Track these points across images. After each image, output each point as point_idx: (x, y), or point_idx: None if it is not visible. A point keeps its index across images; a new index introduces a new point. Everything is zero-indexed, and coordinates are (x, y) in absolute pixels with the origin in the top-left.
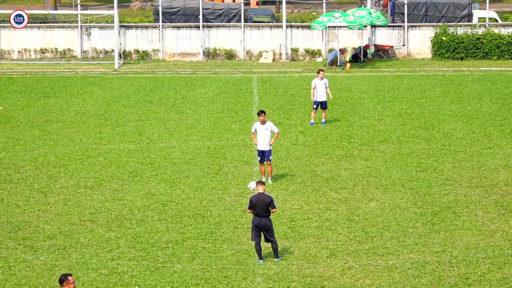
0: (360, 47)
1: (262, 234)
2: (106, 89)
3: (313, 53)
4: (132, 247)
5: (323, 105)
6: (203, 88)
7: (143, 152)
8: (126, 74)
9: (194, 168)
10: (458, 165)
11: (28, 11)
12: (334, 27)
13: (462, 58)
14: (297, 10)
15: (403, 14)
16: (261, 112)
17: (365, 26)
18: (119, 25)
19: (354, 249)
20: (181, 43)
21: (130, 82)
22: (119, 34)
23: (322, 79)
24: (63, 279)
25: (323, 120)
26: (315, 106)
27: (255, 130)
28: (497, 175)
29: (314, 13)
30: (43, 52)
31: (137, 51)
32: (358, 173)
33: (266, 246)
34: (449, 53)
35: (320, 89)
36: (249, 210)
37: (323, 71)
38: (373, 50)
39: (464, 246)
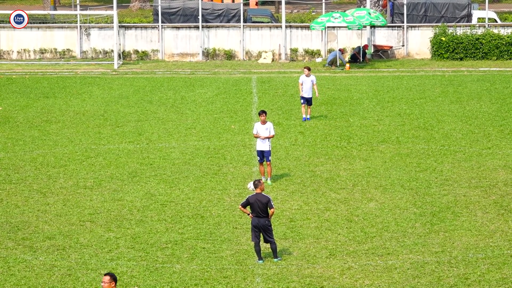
0: (358, 47)
1: (261, 234)
2: (105, 90)
3: (312, 54)
4: (132, 248)
5: (308, 101)
6: (203, 88)
7: (143, 152)
8: (125, 74)
9: (193, 169)
10: (458, 165)
11: (27, 11)
12: (334, 27)
13: (461, 59)
14: (296, 11)
15: (403, 14)
16: (262, 112)
17: (364, 27)
18: (119, 26)
19: (354, 250)
20: (180, 43)
21: (129, 83)
22: (118, 34)
23: (308, 76)
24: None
25: (308, 116)
26: (302, 101)
27: (257, 132)
28: (497, 175)
29: (313, 13)
30: (42, 53)
31: (136, 52)
32: (357, 173)
33: (265, 247)
34: (448, 53)
35: (306, 86)
36: (241, 207)
37: (308, 68)
38: (372, 51)
39: (463, 247)
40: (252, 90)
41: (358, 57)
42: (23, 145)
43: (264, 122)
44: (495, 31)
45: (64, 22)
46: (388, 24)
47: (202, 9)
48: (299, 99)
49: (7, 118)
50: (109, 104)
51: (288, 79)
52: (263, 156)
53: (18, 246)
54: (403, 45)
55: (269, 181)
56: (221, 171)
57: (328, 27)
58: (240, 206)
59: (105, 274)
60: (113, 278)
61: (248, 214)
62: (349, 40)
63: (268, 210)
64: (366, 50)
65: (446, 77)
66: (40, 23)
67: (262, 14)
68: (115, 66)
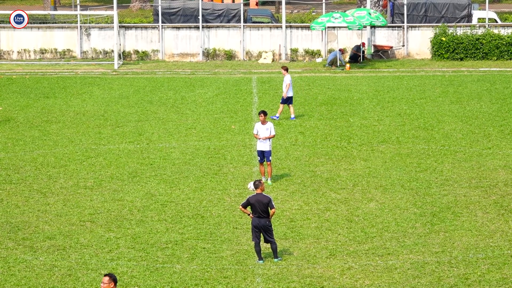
0: (356, 46)
1: (261, 234)
2: (105, 90)
3: (312, 54)
4: (132, 248)
5: (282, 99)
6: (203, 88)
7: (143, 152)
8: (125, 74)
9: (193, 169)
10: (458, 165)
11: (27, 11)
12: (334, 27)
13: (461, 59)
14: (296, 11)
15: (403, 14)
16: (260, 112)
17: (365, 27)
18: (119, 26)
19: (354, 250)
20: (180, 43)
21: (129, 83)
22: (118, 34)
23: (284, 75)
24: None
25: (277, 115)
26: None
27: (257, 132)
28: (497, 175)
29: (313, 13)
30: (42, 53)
31: (136, 52)
32: (357, 173)
33: (266, 247)
34: (448, 53)
35: (283, 85)
36: (241, 207)
37: (283, 68)
38: (372, 51)
39: (463, 247)
40: (252, 90)
41: (358, 55)
42: (23, 145)
43: (264, 122)
44: (495, 31)
45: (64, 22)
46: (388, 24)
47: (202, 9)
48: (298, 99)
49: (7, 118)
50: (109, 104)
51: None
52: (263, 156)
53: (18, 246)
54: (403, 45)
55: (269, 181)
56: (221, 171)
57: (328, 27)
58: (240, 207)
59: (105, 275)
60: (113, 279)
61: (249, 215)
62: (349, 40)
63: (269, 210)
64: (363, 48)
65: (446, 77)
66: (40, 23)
67: (262, 14)
68: (115, 66)
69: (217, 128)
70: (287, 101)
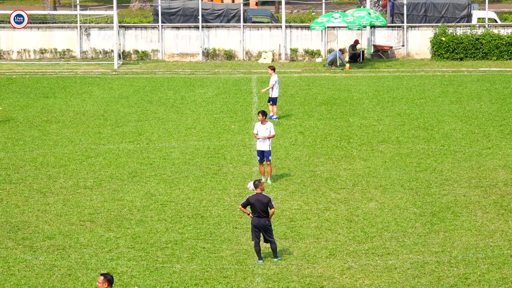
0: (351, 46)
1: (261, 234)
2: (105, 90)
3: (312, 54)
4: (132, 247)
5: (272, 101)
6: (203, 88)
7: (143, 152)
8: (125, 74)
9: (193, 169)
10: (458, 165)
11: (27, 11)
12: (334, 27)
13: (461, 59)
14: (296, 11)
15: (403, 14)
16: (259, 112)
17: (364, 27)
18: (119, 26)
19: (354, 249)
20: (180, 43)
21: (129, 83)
22: (118, 34)
23: (271, 75)
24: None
25: (274, 116)
26: None
27: (257, 131)
28: (496, 175)
29: (313, 13)
30: (42, 53)
31: (136, 52)
32: (357, 173)
33: (265, 246)
34: (448, 53)
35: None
36: (241, 207)
37: (270, 68)
38: (372, 51)
39: (463, 246)
40: (252, 90)
41: (356, 53)
42: (23, 145)
43: (264, 122)
44: (495, 31)
45: (64, 22)
46: (388, 24)
47: (202, 9)
48: (298, 99)
49: (7, 118)
50: (109, 104)
51: (288, 79)
52: (263, 156)
53: (18, 246)
54: (403, 45)
55: (269, 181)
56: (221, 171)
57: (328, 27)
58: (240, 206)
59: (101, 274)
60: (107, 279)
61: (248, 214)
62: (349, 40)
63: (269, 210)
64: (359, 46)
65: (446, 77)
66: (40, 23)
67: (262, 14)
68: (115, 66)
69: (217, 128)
70: (274, 101)
